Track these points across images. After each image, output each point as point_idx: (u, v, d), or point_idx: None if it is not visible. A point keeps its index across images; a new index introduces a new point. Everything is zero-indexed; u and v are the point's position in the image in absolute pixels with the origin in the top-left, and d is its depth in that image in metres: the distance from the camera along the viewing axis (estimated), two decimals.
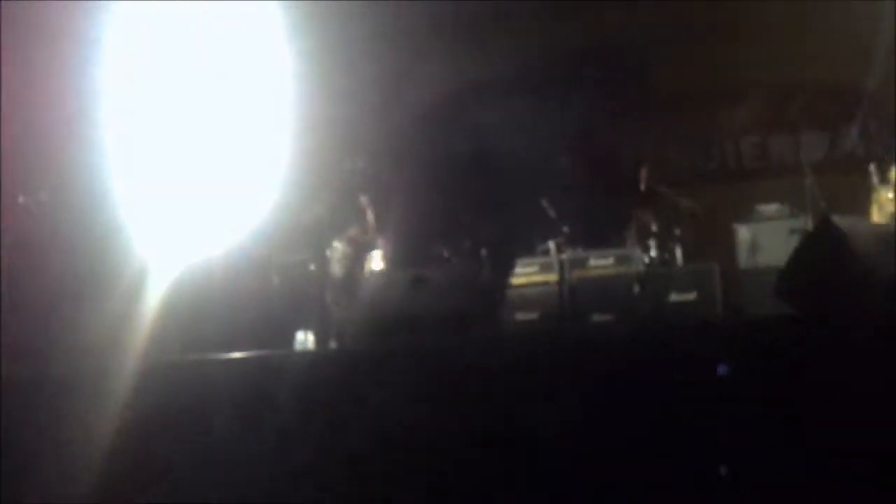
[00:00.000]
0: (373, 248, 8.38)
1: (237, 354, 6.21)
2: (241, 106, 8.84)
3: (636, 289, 7.83)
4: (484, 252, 8.53)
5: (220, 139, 8.50)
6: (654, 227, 8.49)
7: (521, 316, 8.04)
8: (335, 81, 9.32)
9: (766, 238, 7.84)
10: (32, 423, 5.44)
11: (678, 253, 8.36)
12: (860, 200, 7.64)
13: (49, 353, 6.59)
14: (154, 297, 7.18)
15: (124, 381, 5.71)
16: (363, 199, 8.57)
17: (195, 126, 8.58)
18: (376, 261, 8.38)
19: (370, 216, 8.52)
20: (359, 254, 8.38)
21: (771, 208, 8.18)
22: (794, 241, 6.95)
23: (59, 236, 7.70)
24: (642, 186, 8.87)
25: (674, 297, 7.70)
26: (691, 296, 7.64)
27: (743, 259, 8.03)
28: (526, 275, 8.37)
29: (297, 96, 9.06)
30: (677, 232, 8.44)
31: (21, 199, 7.57)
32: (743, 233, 8.06)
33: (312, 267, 8.19)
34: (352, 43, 9.45)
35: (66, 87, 8.29)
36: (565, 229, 8.47)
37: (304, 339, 6.72)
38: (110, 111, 8.63)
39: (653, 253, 8.35)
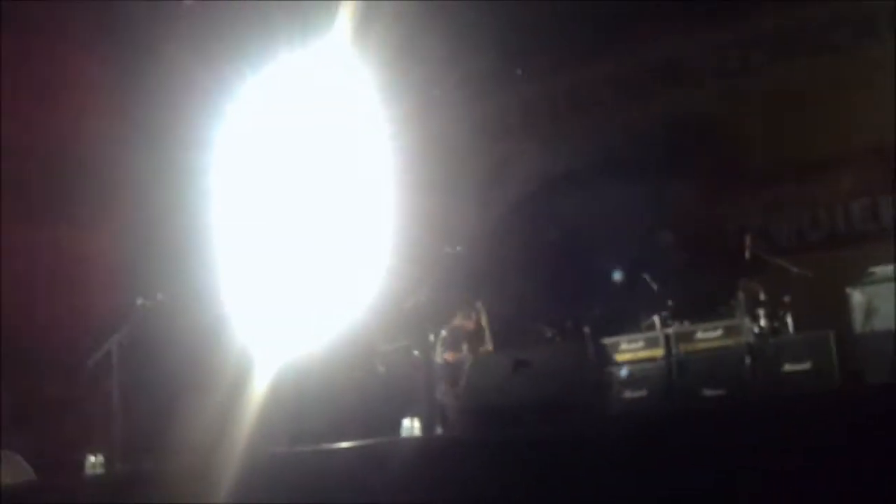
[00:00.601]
0: (480, 335, 8.39)
1: (345, 444, 6.25)
2: (343, 199, 9.11)
3: (747, 360, 7.56)
4: (587, 330, 8.41)
5: (322, 232, 8.74)
6: (762, 296, 8.23)
7: (628, 394, 7.86)
8: (435, 173, 9.52)
9: (882, 301, 7.50)
10: None
11: (789, 321, 8.06)
12: None
13: (162, 449, 6.77)
14: (262, 391, 7.33)
15: (234, 474, 5.81)
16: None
17: (299, 219, 8.87)
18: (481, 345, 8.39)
19: (478, 305, 8.56)
20: (464, 340, 8.40)
21: (885, 270, 7.84)
22: None
23: (173, 336, 7.99)
24: (747, 255, 8.65)
25: (788, 367, 7.41)
26: (806, 365, 7.34)
27: (858, 324, 7.69)
28: (632, 351, 8.21)
29: (398, 188, 9.30)
30: (786, 299, 8.16)
31: (139, 301, 7.89)
32: (857, 297, 7.72)
33: (416, 353, 8.23)
34: (450, 136, 9.67)
35: (178, 197, 8.73)
36: (670, 303, 8.31)
37: (411, 426, 6.70)
38: (222, 214, 9.03)
39: (763, 322, 8.07)
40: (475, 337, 8.43)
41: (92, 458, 6.83)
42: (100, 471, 6.78)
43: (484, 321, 8.56)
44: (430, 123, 9.37)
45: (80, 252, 8.45)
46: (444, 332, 8.39)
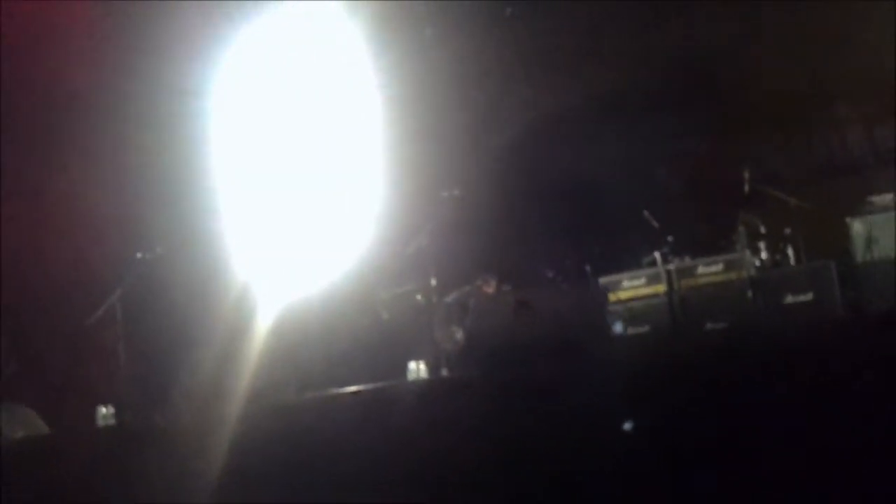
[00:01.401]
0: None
1: (351, 389, 6.31)
2: (341, 148, 9.07)
3: (749, 293, 7.60)
4: (588, 269, 8.44)
5: (320, 180, 8.72)
6: (762, 229, 8.24)
7: (631, 330, 7.91)
8: (431, 113, 9.46)
9: (882, 230, 7.49)
10: (154, 470, 5.62)
11: (790, 253, 8.08)
12: None
13: (167, 401, 6.84)
14: (266, 340, 7.37)
15: (241, 424, 5.86)
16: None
17: (296, 169, 8.84)
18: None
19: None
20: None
21: (885, 198, 7.83)
22: None
23: (174, 287, 8.01)
24: (746, 188, 8.63)
25: (790, 298, 7.45)
26: (808, 296, 7.38)
27: (859, 254, 7.70)
28: (633, 288, 8.25)
29: (395, 133, 9.24)
30: (787, 231, 8.16)
31: (139, 255, 7.91)
32: (857, 226, 7.72)
33: (419, 297, 8.26)
34: (445, 74, 9.58)
35: (176, 147, 8.69)
36: (670, 239, 8.32)
37: (417, 369, 6.77)
38: (216, 163, 8.99)
39: (763, 255, 8.10)
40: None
41: (103, 410, 6.90)
42: (110, 422, 6.85)
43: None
44: (424, 66, 9.28)
45: (79, 206, 8.43)
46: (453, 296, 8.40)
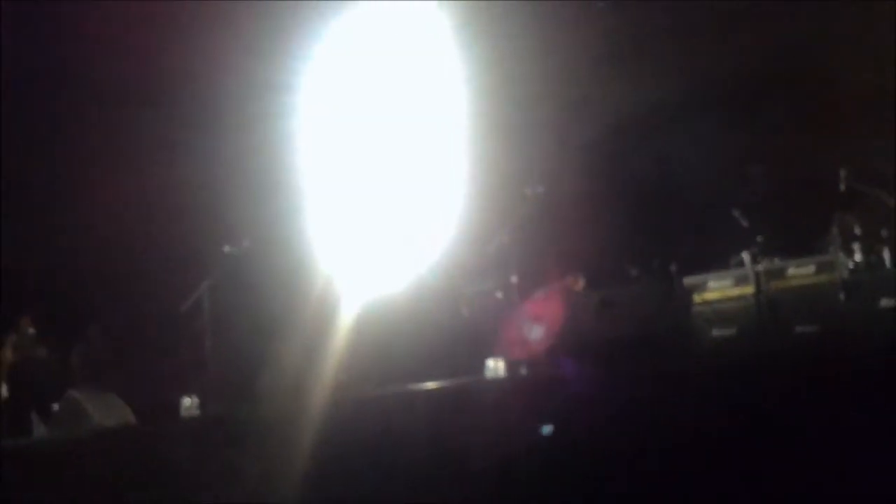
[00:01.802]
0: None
1: (430, 385, 6.32)
2: (426, 145, 9.11)
3: (842, 297, 7.34)
4: (674, 268, 8.27)
5: (406, 176, 8.78)
6: (857, 230, 7.95)
7: (717, 332, 7.72)
8: (515, 112, 9.42)
9: None
10: (236, 460, 5.72)
11: (886, 256, 7.77)
12: None
13: (252, 392, 6.95)
14: (349, 334, 7.44)
15: (323, 416, 5.93)
16: None
17: (383, 165, 8.92)
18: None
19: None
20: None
21: None
22: None
23: (261, 281, 8.16)
24: (842, 187, 8.34)
25: (884, 303, 7.16)
26: None
27: None
28: (720, 289, 8.06)
29: (478, 130, 9.24)
30: (884, 233, 7.85)
31: (226, 248, 8.08)
32: None
33: (499, 295, 8.23)
34: (531, 73, 9.53)
35: (262, 143, 8.87)
36: (759, 239, 8.09)
37: (495, 367, 6.73)
38: (305, 160, 9.14)
39: (858, 257, 7.81)
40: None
41: (187, 401, 7.05)
42: (195, 413, 6.99)
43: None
44: (508, 63, 9.24)
45: (170, 199, 8.67)
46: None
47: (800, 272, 7.81)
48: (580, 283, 8.49)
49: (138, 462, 6.39)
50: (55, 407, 7.58)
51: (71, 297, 9.33)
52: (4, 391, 8.89)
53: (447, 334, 7.90)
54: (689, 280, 8.20)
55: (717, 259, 8.47)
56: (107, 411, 7.38)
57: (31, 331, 9.18)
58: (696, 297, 7.93)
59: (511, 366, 6.79)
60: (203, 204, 8.80)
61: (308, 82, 9.31)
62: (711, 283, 8.12)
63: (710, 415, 4.64)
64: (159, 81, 8.61)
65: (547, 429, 4.58)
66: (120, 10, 8.32)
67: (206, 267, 7.94)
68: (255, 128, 8.69)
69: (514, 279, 8.07)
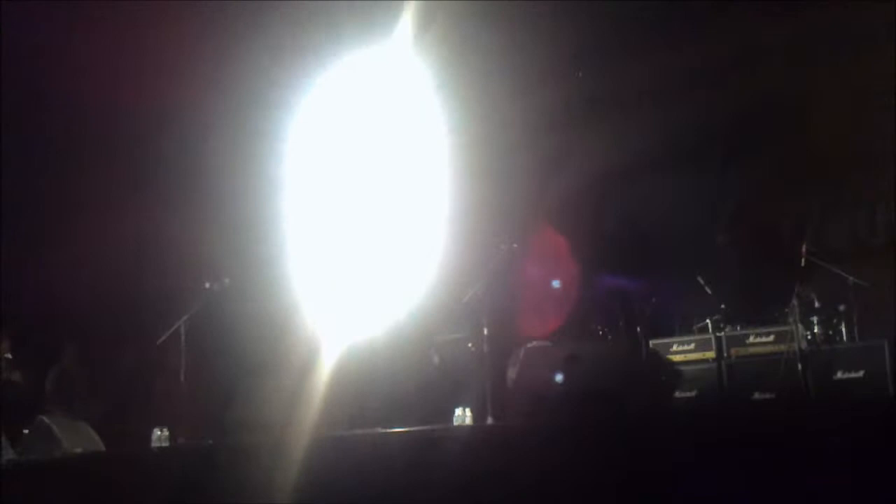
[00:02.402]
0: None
1: (400, 429, 6.46)
2: (402, 193, 9.32)
3: (799, 367, 7.61)
4: (639, 329, 8.51)
5: (381, 224, 8.97)
6: (816, 303, 8.25)
7: (678, 394, 7.95)
8: (491, 166, 9.65)
9: None
10: (200, 493, 5.81)
11: (843, 330, 8.08)
12: None
13: (225, 427, 7.04)
14: (324, 375, 7.58)
15: (294, 454, 6.03)
16: None
17: (358, 212, 9.11)
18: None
19: None
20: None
21: None
22: None
23: (239, 319, 8.29)
24: (803, 261, 8.65)
25: (840, 374, 7.44)
26: (859, 374, 7.37)
27: None
28: (683, 352, 8.30)
29: (455, 182, 9.46)
30: (842, 308, 8.16)
31: (207, 284, 8.22)
32: None
33: (470, 345, 8.41)
34: (507, 128, 9.79)
35: (246, 185, 9.04)
36: (723, 306, 8.37)
37: (463, 415, 6.90)
38: (287, 203, 9.32)
39: (816, 329, 8.10)
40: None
41: (158, 432, 7.12)
42: (165, 444, 7.06)
43: None
44: (488, 116, 9.50)
45: (153, 233, 8.80)
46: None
47: (760, 341, 8.08)
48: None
49: (105, 490, 6.43)
50: (25, 431, 7.61)
51: (48, 324, 9.38)
52: None
53: (418, 380, 8.05)
54: (654, 342, 8.44)
55: (680, 323, 8.73)
56: (77, 439, 7.42)
57: (7, 355, 9.23)
58: (665, 358, 8.16)
59: (478, 415, 6.97)
60: (187, 241, 8.94)
61: (293, 126, 9.52)
62: (675, 347, 8.36)
63: (667, 475, 4.80)
64: (148, 119, 8.78)
65: None
66: (102, 47, 8.47)
67: (186, 301, 8.06)
68: (243, 169, 8.87)
69: (485, 330, 8.26)
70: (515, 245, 9.16)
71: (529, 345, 7.96)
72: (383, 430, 6.62)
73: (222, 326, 8.21)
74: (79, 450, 7.31)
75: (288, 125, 9.31)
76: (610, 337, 8.79)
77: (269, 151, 9.21)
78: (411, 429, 6.47)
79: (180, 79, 8.51)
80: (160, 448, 7.00)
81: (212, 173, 8.88)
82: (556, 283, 9.40)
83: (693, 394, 7.97)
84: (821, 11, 8.84)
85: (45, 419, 7.53)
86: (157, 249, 8.93)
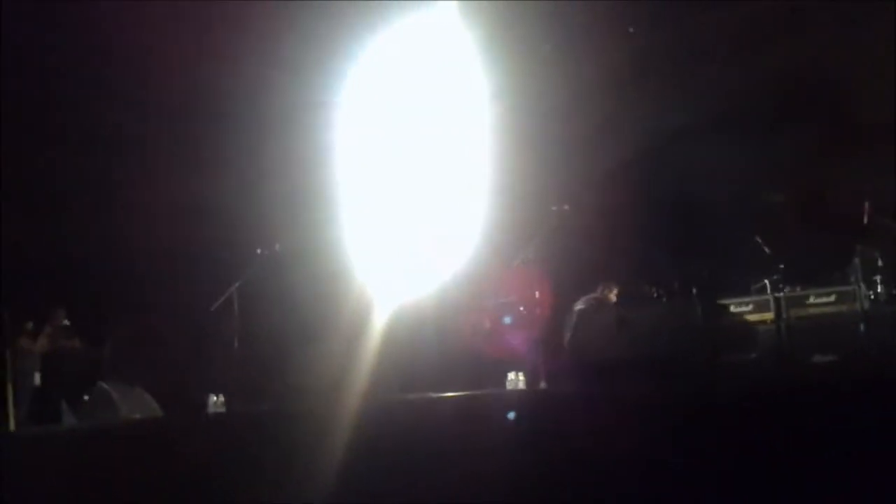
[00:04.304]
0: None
1: (451, 394, 6.44)
2: (452, 157, 9.24)
3: (861, 328, 7.40)
4: (695, 291, 8.36)
5: (431, 188, 8.92)
6: (880, 262, 8.01)
7: (737, 357, 7.80)
8: (543, 129, 9.53)
9: None
10: (258, 460, 5.86)
11: None
12: None
13: (277, 393, 7.10)
14: (375, 340, 7.58)
15: (347, 419, 6.05)
16: None
17: (414, 175, 9.08)
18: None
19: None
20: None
21: None
22: None
23: (289, 284, 8.34)
24: (866, 219, 8.40)
25: None
26: None
27: None
28: (741, 314, 8.14)
29: (507, 146, 9.35)
30: None
31: (259, 251, 8.27)
32: None
33: (522, 308, 8.35)
34: (558, 91, 9.64)
35: (296, 151, 9.05)
36: (781, 266, 8.17)
37: (516, 380, 6.85)
38: (338, 168, 9.32)
39: (879, 289, 7.87)
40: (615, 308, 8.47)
41: (213, 398, 7.20)
42: (221, 410, 7.15)
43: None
44: (538, 79, 9.36)
45: (205, 201, 8.88)
46: (582, 301, 8.46)
47: (820, 301, 7.88)
48: (614, 292, 8.56)
49: (162, 455, 6.53)
50: (85, 397, 7.77)
51: (105, 293, 9.54)
52: (37, 379, 9.12)
53: (469, 345, 8.03)
54: (711, 304, 8.27)
55: (738, 284, 8.55)
56: (134, 404, 7.54)
57: (66, 323, 9.42)
58: (717, 321, 8.01)
59: (532, 379, 6.93)
60: (238, 208, 9.00)
61: (344, 90, 9.48)
62: (731, 308, 8.20)
63: (722, 443, 4.70)
64: (195, 88, 8.82)
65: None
66: (144, 16, 8.50)
67: (239, 268, 8.12)
68: (292, 134, 8.88)
69: (537, 294, 8.20)
70: (567, 207, 9.07)
71: (580, 307, 7.88)
72: (434, 395, 6.60)
73: (274, 293, 8.27)
74: (137, 415, 7.43)
75: (337, 92, 9.28)
76: (665, 299, 8.65)
77: (318, 118, 9.19)
78: (462, 393, 6.44)
79: (229, 47, 8.52)
80: (216, 414, 7.08)
81: (262, 140, 8.91)
82: (606, 247, 9.28)
83: (752, 356, 7.81)
84: None
85: (104, 385, 7.67)
86: (209, 217, 9.00)
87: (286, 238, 8.33)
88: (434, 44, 9.38)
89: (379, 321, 7.93)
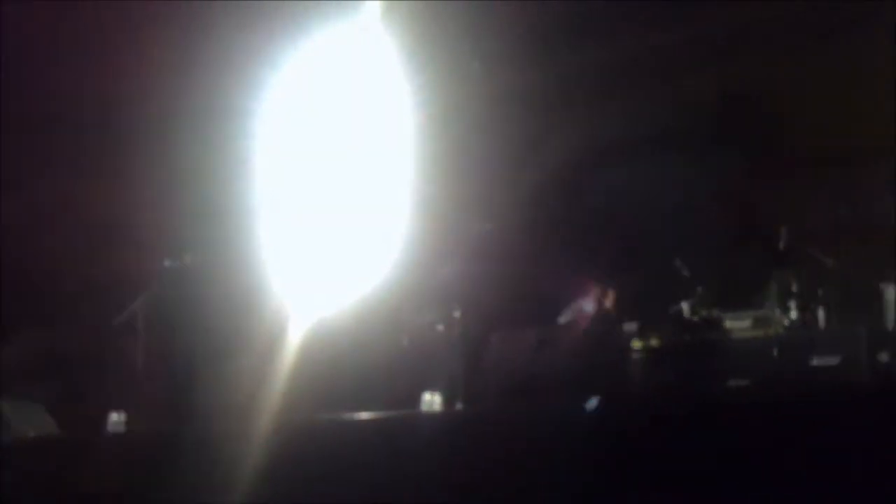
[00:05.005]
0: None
1: (365, 415, 6.31)
2: (376, 169, 9.11)
3: (775, 352, 7.47)
4: (614, 314, 8.35)
5: (349, 203, 8.77)
6: (795, 288, 8.12)
7: (653, 379, 7.80)
8: (466, 145, 9.47)
9: None
10: (157, 480, 5.64)
11: (821, 315, 7.95)
12: None
13: (179, 413, 6.85)
14: (284, 358, 7.39)
15: (255, 440, 5.87)
16: None
17: (326, 190, 8.91)
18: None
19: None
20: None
21: None
22: None
23: (199, 299, 8.06)
24: (782, 245, 8.52)
25: (816, 361, 7.31)
26: (835, 360, 7.23)
27: (891, 321, 7.56)
28: (658, 336, 8.14)
29: (430, 159, 9.26)
30: (820, 293, 8.03)
31: (167, 262, 7.99)
32: (891, 293, 7.60)
33: (441, 328, 8.23)
34: (485, 106, 9.60)
35: (208, 159, 8.81)
36: (700, 289, 8.22)
37: (431, 400, 6.73)
38: (253, 180, 9.09)
39: (793, 315, 7.97)
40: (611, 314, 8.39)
41: (114, 416, 6.94)
42: (120, 429, 6.88)
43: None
44: (465, 93, 9.32)
45: (110, 209, 8.58)
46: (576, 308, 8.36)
47: (736, 325, 7.94)
48: (612, 298, 8.48)
49: (58, 475, 6.26)
50: None
51: (1, 304, 9.12)
52: None
53: (384, 364, 7.88)
54: (627, 326, 8.28)
55: (656, 307, 8.57)
56: (29, 421, 7.23)
57: None
58: (635, 343, 8.00)
59: (448, 400, 6.81)
60: (146, 217, 8.70)
61: (258, 104, 9.29)
62: (651, 331, 8.20)
63: (637, 462, 4.70)
64: (104, 91, 8.53)
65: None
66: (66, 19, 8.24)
67: (145, 280, 7.83)
68: (201, 142, 8.64)
69: (456, 313, 8.09)
70: (489, 226, 9.01)
71: (501, 329, 7.81)
72: (348, 416, 6.44)
73: (183, 306, 7.99)
74: (31, 433, 7.11)
75: (253, 101, 9.07)
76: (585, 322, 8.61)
77: (234, 128, 8.96)
78: (377, 414, 6.32)
79: (136, 53, 8.27)
80: (115, 433, 6.80)
81: (173, 147, 8.63)
82: (529, 267, 9.24)
83: (668, 379, 7.81)
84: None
85: None
86: (114, 227, 8.68)
87: (197, 249, 8.06)
88: (357, 52, 9.25)
89: (294, 338, 7.74)
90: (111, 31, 8.18)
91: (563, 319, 8.55)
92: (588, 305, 8.39)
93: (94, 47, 8.11)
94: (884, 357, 7.21)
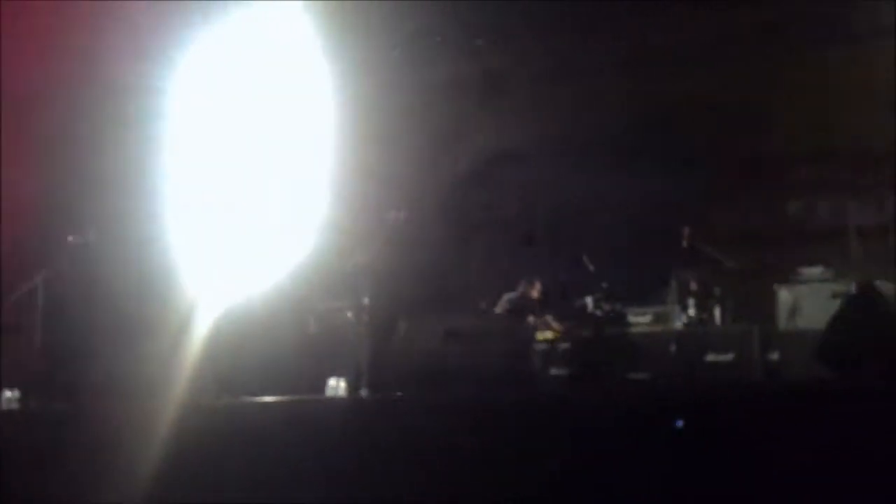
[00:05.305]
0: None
1: (270, 399, 6.27)
2: (290, 152, 9.04)
3: (673, 347, 7.72)
4: (521, 307, 8.48)
5: (263, 185, 8.68)
6: (693, 286, 8.39)
7: (555, 371, 7.97)
8: (386, 133, 9.46)
9: (808, 301, 7.68)
10: (53, 457, 5.52)
11: (717, 313, 8.25)
12: None
13: (77, 390, 6.70)
14: (188, 339, 7.28)
15: (156, 421, 5.78)
16: None
17: (240, 171, 8.79)
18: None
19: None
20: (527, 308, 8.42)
21: (814, 271, 8.04)
22: (835, 305, 6.81)
23: (103, 276, 7.88)
24: (684, 244, 8.79)
25: (711, 357, 7.58)
26: (729, 357, 7.51)
27: (783, 321, 7.89)
28: (562, 329, 8.32)
29: (347, 145, 9.23)
30: (717, 292, 8.33)
31: (70, 239, 7.78)
32: (784, 295, 7.92)
33: (349, 315, 8.23)
34: (407, 94, 9.60)
35: (117, 135, 8.59)
36: (604, 285, 8.41)
37: (336, 386, 6.74)
38: (159, 159, 8.92)
39: (691, 312, 8.25)
40: (537, 306, 8.46)
41: (8, 394, 6.74)
42: (14, 406, 6.70)
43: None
44: (380, 82, 9.30)
45: (13, 184, 8.28)
46: (505, 299, 8.41)
47: (637, 320, 8.16)
48: (538, 289, 8.55)
49: None
50: None
51: None
52: None
53: (291, 349, 7.83)
54: (532, 319, 8.42)
55: (561, 300, 8.74)
56: None
57: None
58: (538, 336, 8.15)
59: (353, 387, 6.83)
60: (52, 193, 8.45)
61: (172, 81, 9.10)
62: (555, 325, 8.36)
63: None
64: (11, 69, 8.23)
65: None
66: None
67: (47, 257, 7.61)
68: (110, 121, 8.42)
69: (365, 300, 8.09)
70: (403, 214, 9.02)
71: (410, 317, 7.85)
72: (252, 400, 6.40)
73: (85, 284, 7.79)
74: None
75: (166, 81, 8.89)
76: (491, 311, 8.73)
77: (145, 107, 8.77)
78: (282, 398, 6.29)
79: (50, 28, 8.01)
80: (8, 410, 6.62)
81: (80, 125, 8.39)
82: (440, 257, 9.30)
83: (568, 371, 7.99)
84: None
85: None
86: (18, 199, 8.40)
87: (102, 227, 7.86)
88: (274, 37, 9.15)
89: (200, 319, 7.63)
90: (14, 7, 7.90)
91: (482, 309, 8.68)
92: (512, 296, 8.52)
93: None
94: (775, 355, 7.53)
